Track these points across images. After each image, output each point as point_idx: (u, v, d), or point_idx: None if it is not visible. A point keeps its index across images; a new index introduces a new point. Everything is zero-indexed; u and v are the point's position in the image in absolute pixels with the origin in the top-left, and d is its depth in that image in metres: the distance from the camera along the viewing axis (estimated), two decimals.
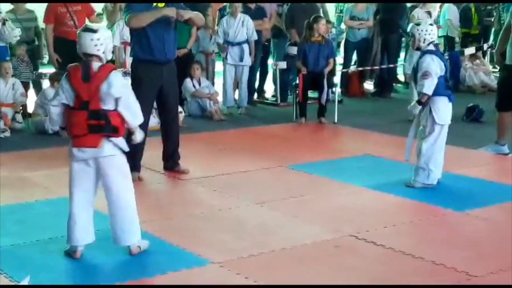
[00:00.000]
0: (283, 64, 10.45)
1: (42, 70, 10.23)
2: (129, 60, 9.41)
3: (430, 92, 5.99)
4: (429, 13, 12.11)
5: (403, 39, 12.18)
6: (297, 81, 9.48)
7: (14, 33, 8.81)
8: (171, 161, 6.71)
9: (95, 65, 4.41)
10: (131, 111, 4.45)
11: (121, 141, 4.48)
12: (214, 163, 7.05)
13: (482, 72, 12.41)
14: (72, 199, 4.56)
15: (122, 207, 4.53)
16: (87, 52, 4.42)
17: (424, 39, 6.08)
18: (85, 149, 4.42)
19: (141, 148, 6.30)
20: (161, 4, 6.26)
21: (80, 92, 4.38)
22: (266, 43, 11.07)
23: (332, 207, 5.69)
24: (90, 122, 4.38)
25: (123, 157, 4.53)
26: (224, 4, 10.79)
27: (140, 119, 4.53)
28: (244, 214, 5.59)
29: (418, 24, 6.20)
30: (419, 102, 6.08)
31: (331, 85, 9.61)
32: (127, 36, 9.60)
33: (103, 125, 4.38)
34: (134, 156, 6.33)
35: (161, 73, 6.34)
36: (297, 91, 9.43)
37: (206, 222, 5.37)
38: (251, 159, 7.18)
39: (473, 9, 13.48)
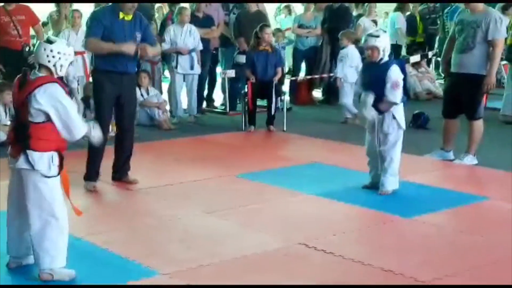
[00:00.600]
0: (231, 73, 10.45)
1: None
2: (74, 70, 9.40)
3: (399, 102, 6.09)
4: (375, 21, 12.31)
5: None
6: (246, 90, 9.50)
7: None
8: (120, 172, 6.64)
9: (34, 74, 4.32)
10: (65, 125, 4.25)
11: (37, 156, 4.20)
12: (164, 173, 7.00)
13: (427, 79, 12.63)
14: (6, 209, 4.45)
15: (31, 228, 4.29)
16: (38, 61, 4.34)
17: (387, 50, 6.13)
18: (11, 158, 4.32)
19: (99, 156, 6.34)
20: (127, 17, 6.27)
21: (14, 100, 4.34)
22: (214, 52, 11.07)
23: (281, 216, 5.70)
24: (15, 132, 4.29)
25: (38, 175, 4.23)
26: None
27: (77, 133, 4.31)
28: (193, 223, 5.55)
29: (377, 36, 6.09)
30: (379, 110, 6.11)
31: (279, 93, 9.66)
32: (73, 46, 9.51)
33: (24, 136, 4.21)
34: (90, 163, 6.44)
35: (121, 82, 6.35)
36: (246, 100, 9.44)
37: (155, 232, 5.32)
38: (201, 168, 7.15)
39: (418, 18, 13.73)
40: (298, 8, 13.49)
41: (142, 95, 9.56)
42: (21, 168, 4.23)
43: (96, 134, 4.54)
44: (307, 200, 6.12)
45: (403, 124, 6.22)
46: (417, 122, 9.71)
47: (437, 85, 12.34)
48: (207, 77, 10.83)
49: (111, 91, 6.36)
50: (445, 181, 6.92)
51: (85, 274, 4.42)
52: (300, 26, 11.61)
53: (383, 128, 6.17)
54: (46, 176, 4.23)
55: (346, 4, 12.02)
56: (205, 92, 11.04)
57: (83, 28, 9.81)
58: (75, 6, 10.45)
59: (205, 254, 4.82)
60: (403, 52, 13.60)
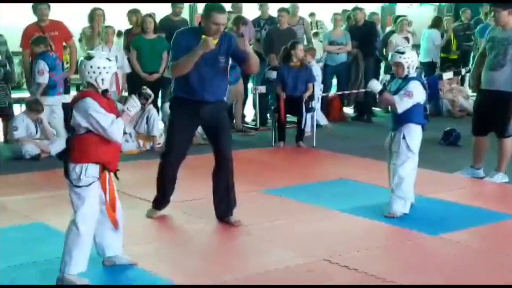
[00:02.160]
0: (262, 89, 10.49)
1: (14, 95, 10.19)
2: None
3: (400, 111, 5.99)
4: (406, 38, 12.25)
5: (382, 63, 12.34)
6: (276, 105, 9.52)
7: None
8: (221, 208, 5.92)
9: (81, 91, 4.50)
10: (103, 134, 4.41)
11: (71, 167, 4.40)
12: (191, 187, 7.01)
13: (461, 96, 12.53)
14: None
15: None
16: (82, 78, 4.50)
17: (412, 66, 6.06)
18: None
19: (163, 183, 5.96)
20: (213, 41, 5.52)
21: None
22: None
23: (306, 232, 5.68)
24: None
25: (71, 184, 4.44)
26: None
27: (116, 139, 4.43)
28: (219, 238, 5.57)
29: (402, 52, 6.06)
30: (380, 92, 6.09)
31: (310, 109, 9.66)
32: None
33: (67, 148, 4.49)
34: (157, 191, 6.03)
35: (199, 114, 5.71)
36: (276, 115, 9.46)
37: (180, 247, 5.34)
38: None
39: (452, 35, 13.63)
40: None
41: None
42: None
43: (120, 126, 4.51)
44: (332, 216, 6.10)
45: (413, 147, 6.05)
46: (448, 139, 9.64)
47: (471, 102, 12.19)
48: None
49: (186, 124, 5.80)
50: (473, 199, 6.84)
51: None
52: (331, 43, 11.62)
53: (392, 146, 6.13)
54: (75, 186, 4.40)
55: (371, 20, 12.11)
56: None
57: (116, 44, 9.99)
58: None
59: (228, 269, 4.83)
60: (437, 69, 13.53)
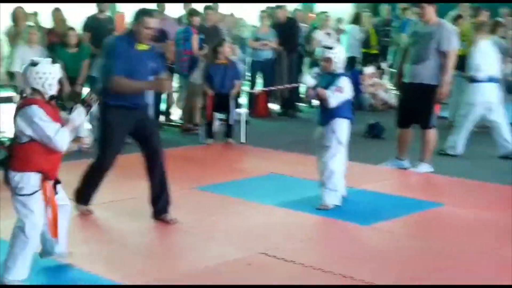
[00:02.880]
0: None
1: None
2: None
3: (333, 106, 6.11)
4: (329, 34, 12.48)
5: (304, 59, 12.54)
6: (204, 103, 9.55)
7: None
8: (159, 206, 5.94)
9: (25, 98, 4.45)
10: (46, 143, 4.33)
11: (12, 175, 4.36)
12: (121, 187, 6.98)
13: (382, 90, 12.85)
14: None
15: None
16: (28, 85, 4.42)
17: (340, 61, 6.17)
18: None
19: (96, 182, 6.01)
20: (141, 46, 5.71)
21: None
22: (172, 65, 11.08)
23: (241, 226, 5.76)
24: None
25: (17, 196, 4.38)
26: None
27: (61, 147, 4.36)
28: (156, 236, 5.58)
29: (331, 48, 6.17)
30: (314, 87, 6.21)
31: (237, 105, 9.73)
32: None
33: (10, 156, 4.43)
34: (85, 187, 6.06)
35: (134, 118, 5.80)
36: (204, 113, 9.49)
37: (117, 247, 5.32)
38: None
39: (371, 31, 13.94)
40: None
41: None
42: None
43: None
44: (266, 211, 6.19)
45: (342, 139, 6.20)
46: (372, 132, 9.89)
47: (392, 96, 12.56)
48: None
49: (122, 129, 5.84)
50: (401, 189, 7.08)
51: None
52: (256, 39, 11.73)
53: (323, 140, 6.23)
54: (18, 194, 4.37)
55: (293, 17, 12.31)
56: (163, 106, 11.06)
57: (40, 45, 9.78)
58: None
59: (166, 266, 4.85)
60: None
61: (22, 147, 4.36)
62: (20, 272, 4.38)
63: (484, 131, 9.04)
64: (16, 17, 9.80)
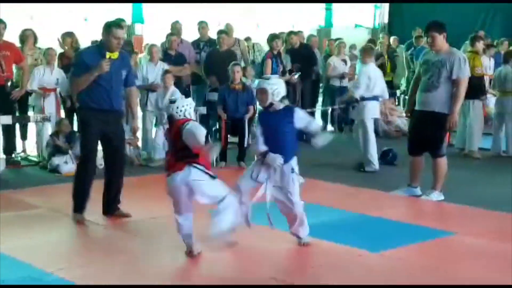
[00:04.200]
0: (203, 110, 10.56)
1: None
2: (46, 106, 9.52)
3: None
4: (344, 61, 12.56)
5: (321, 84, 12.59)
6: (218, 127, 9.61)
7: None
8: (112, 206, 6.75)
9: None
10: None
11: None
12: (135, 208, 7.03)
13: (396, 116, 12.86)
14: None
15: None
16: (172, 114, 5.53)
17: (277, 94, 5.70)
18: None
19: (84, 187, 6.57)
20: (114, 55, 6.41)
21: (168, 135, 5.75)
22: (187, 89, 11.19)
23: (251, 251, 5.76)
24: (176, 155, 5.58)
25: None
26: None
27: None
28: (166, 260, 5.61)
29: (267, 79, 5.85)
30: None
31: (251, 130, 9.78)
32: (47, 83, 9.66)
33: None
34: (77, 196, 6.60)
35: (106, 119, 6.50)
36: (218, 136, 9.55)
37: (128, 267, 5.35)
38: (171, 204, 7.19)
39: (386, 57, 14.00)
40: None
41: None
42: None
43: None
44: (276, 236, 6.15)
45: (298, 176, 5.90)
46: (385, 159, 9.89)
47: (405, 122, 12.56)
48: None
49: (96, 127, 6.48)
50: (412, 217, 7.07)
51: None
52: None
53: (283, 183, 5.78)
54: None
55: (308, 43, 12.37)
56: None
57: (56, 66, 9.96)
58: None
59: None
60: None
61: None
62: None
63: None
64: (22, 39, 10.07)
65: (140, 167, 9.42)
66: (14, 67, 9.61)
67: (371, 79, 9.39)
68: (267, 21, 18.33)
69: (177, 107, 5.51)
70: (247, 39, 14.21)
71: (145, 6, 17.21)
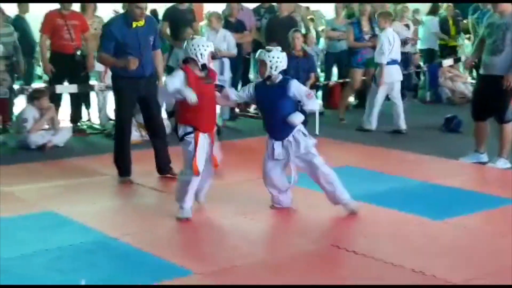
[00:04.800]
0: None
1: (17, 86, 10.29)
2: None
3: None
4: (407, 26, 12.30)
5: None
6: None
7: None
8: (165, 168, 7.10)
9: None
10: None
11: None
12: (238, 170, 7.10)
13: (461, 82, 12.59)
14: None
15: None
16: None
17: (277, 67, 5.68)
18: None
19: (124, 150, 6.90)
20: (140, 23, 6.67)
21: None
22: (247, 57, 11.17)
23: (313, 218, 5.76)
24: None
25: None
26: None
27: None
28: (227, 225, 5.65)
29: (269, 51, 5.73)
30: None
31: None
32: None
33: None
34: (119, 159, 6.96)
35: (138, 87, 6.75)
36: None
37: (189, 233, 5.43)
38: (232, 172, 7.20)
39: (450, 21, 13.67)
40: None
41: None
42: None
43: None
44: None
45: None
46: (449, 126, 9.71)
47: (470, 88, 12.29)
48: (240, 81, 10.94)
49: (130, 95, 6.78)
50: (477, 185, 6.94)
51: (118, 273, 4.55)
52: (333, 30, 11.66)
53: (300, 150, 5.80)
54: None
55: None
56: None
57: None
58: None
59: (238, 255, 4.91)
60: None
61: None
62: None
63: None
64: (85, 7, 10.26)
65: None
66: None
67: (391, 43, 9.64)
68: None
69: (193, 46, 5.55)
70: (307, 8, 14.14)
71: None
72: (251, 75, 11.54)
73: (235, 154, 8.26)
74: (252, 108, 11.40)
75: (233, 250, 5.01)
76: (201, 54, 5.55)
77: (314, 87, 9.80)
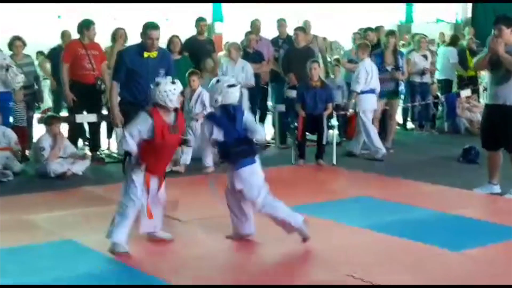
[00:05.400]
0: (282, 107, 10.61)
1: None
2: None
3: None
4: (425, 56, 12.34)
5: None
6: (296, 124, 9.63)
7: (17, 79, 8.98)
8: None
9: None
10: None
11: None
12: (212, 205, 7.11)
13: (479, 113, 12.57)
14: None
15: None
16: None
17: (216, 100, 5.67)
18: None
19: None
20: (152, 54, 6.92)
21: None
22: (265, 86, 11.26)
23: (329, 247, 5.76)
24: None
25: None
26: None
27: None
28: (243, 254, 5.67)
29: (217, 82, 5.76)
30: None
31: (329, 127, 9.76)
32: None
33: None
34: None
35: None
36: (296, 134, 9.57)
37: (206, 263, 5.44)
38: None
39: (467, 52, 13.69)
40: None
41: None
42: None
43: None
44: (354, 232, 6.17)
45: None
46: (467, 157, 9.69)
47: None
48: (258, 111, 11.01)
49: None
50: (492, 215, 6.91)
51: None
52: (350, 61, 11.73)
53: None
54: None
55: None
56: None
57: None
58: None
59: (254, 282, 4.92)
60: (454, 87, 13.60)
61: None
62: None
63: None
64: (116, 37, 10.31)
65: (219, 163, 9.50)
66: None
67: (368, 73, 9.92)
68: (345, 17, 18.23)
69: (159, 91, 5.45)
70: (324, 39, 14.21)
71: (224, 4, 17.40)
72: (269, 103, 11.62)
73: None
74: (269, 138, 11.45)
75: (250, 279, 5.02)
76: (170, 100, 5.46)
77: (331, 116, 9.85)
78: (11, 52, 9.79)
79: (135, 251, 5.56)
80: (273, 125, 11.23)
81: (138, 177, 5.50)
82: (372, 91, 9.99)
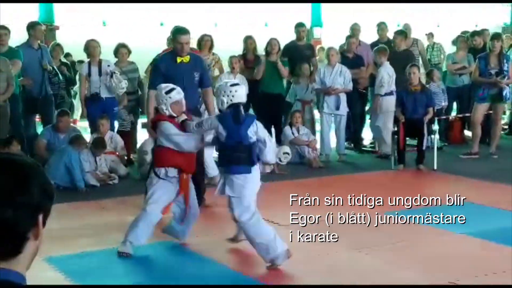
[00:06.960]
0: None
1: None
2: None
3: None
4: None
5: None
6: (396, 129, 9.51)
7: (121, 85, 9.27)
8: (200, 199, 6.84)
9: None
10: None
11: None
12: (312, 209, 7.11)
13: None
14: None
15: None
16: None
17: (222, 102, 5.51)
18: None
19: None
20: (185, 59, 6.99)
21: None
22: (364, 91, 11.16)
23: (429, 254, 5.67)
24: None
25: None
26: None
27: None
28: (341, 259, 5.65)
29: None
30: None
31: (430, 132, 9.59)
32: None
33: None
34: None
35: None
36: (396, 138, 9.45)
37: (305, 266, 5.45)
38: (349, 205, 7.20)
39: None
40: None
41: (293, 133, 9.85)
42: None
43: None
44: (456, 239, 6.05)
45: None
46: None
47: None
48: (358, 116, 10.94)
49: None
50: None
51: None
52: (454, 63, 11.46)
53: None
54: None
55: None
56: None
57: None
58: None
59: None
60: None
61: None
62: None
63: None
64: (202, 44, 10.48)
65: (318, 169, 9.52)
66: None
67: (390, 76, 10.06)
68: (448, 20, 17.84)
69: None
70: (430, 35, 13.97)
71: (324, 9, 17.38)
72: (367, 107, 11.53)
73: (352, 188, 8.24)
74: (369, 143, 11.35)
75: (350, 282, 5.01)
76: (166, 108, 5.71)
77: (433, 121, 9.67)
78: (116, 59, 10.10)
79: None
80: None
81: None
82: (391, 93, 10.06)
